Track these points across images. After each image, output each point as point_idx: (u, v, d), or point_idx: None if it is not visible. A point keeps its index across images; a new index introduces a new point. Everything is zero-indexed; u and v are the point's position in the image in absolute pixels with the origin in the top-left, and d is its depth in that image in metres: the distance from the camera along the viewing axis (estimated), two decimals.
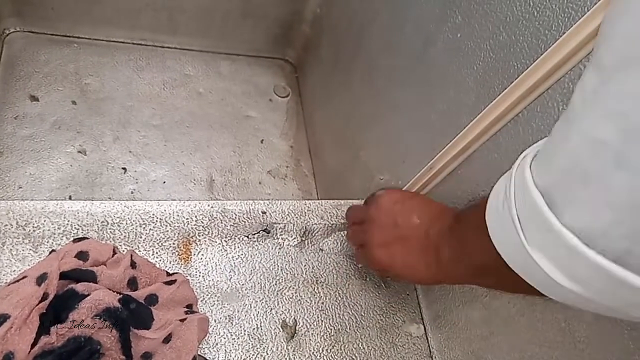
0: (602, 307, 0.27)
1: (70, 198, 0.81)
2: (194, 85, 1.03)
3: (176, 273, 0.49)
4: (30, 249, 0.47)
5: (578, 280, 0.26)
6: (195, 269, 0.52)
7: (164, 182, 0.88)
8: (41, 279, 0.39)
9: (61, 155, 0.84)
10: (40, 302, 0.38)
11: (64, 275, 0.41)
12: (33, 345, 0.36)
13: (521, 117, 0.46)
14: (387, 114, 0.73)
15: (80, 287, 0.40)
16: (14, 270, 0.45)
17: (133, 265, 0.46)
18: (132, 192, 0.85)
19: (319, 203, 0.62)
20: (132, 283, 0.45)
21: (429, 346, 0.58)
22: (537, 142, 0.34)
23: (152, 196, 0.86)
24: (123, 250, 0.49)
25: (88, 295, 0.39)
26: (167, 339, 0.42)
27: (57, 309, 0.38)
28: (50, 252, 0.45)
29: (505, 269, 0.32)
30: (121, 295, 0.41)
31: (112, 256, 0.46)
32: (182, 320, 0.43)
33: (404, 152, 0.67)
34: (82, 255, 0.43)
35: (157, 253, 0.52)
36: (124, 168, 0.87)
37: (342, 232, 0.61)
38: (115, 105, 0.93)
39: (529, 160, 0.30)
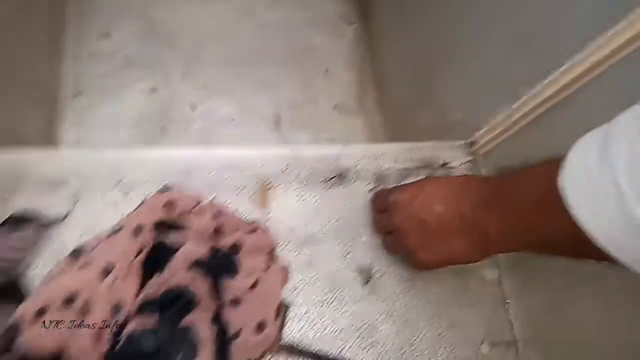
0: None
1: (146, 136, 0.83)
2: (260, 16, 1.00)
3: (256, 221, 0.50)
4: (121, 196, 0.50)
5: None
6: (274, 214, 0.54)
7: (232, 120, 0.89)
8: (137, 231, 0.41)
9: (135, 92, 0.86)
10: (137, 253, 0.40)
11: (155, 226, 0.43)
12: (136, 295, 0.39)
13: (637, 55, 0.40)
14: (467, 47, 0.67)
15: (171, 238, 0.42)
16: (108, 217, 0.48)
17: (217, 214, 0.47)
18: (201, 130, 0.86)
19: (392, 146, 0.61)
20: (218, 232, 0.46)
21: (503, 291, 0.58)
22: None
23: (221, 133, 0.87)
24: (205, 198, 0.51)
25: (180, 247, 0.41)
26: (253, 286, 0.44)
27: (153, 261, 0.41)
28: (140, 203, 0.47)
29: (578, 240, 0.30)
30: (209, 246, 0.43)
31: (197, 205, 0.47)
32: (266, 269, 0.45)
33: (486, 90, 0.63)
34: (169, 206, 0.45)
35: (236, 199, 0.53)
36: (193, 105, 0.88)
37: (416, 177, 0.59)
38: (183, 40, 0.92)
39: None
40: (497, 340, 0.55)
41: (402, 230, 0.49)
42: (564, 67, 0.47)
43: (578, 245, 0.31)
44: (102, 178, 0.51)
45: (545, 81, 0.50)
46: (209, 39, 0.94)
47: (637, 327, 0.43)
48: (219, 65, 0.92)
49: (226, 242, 0.45)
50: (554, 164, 0.34)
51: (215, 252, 0.43)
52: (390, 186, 0.57)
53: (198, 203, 0.48)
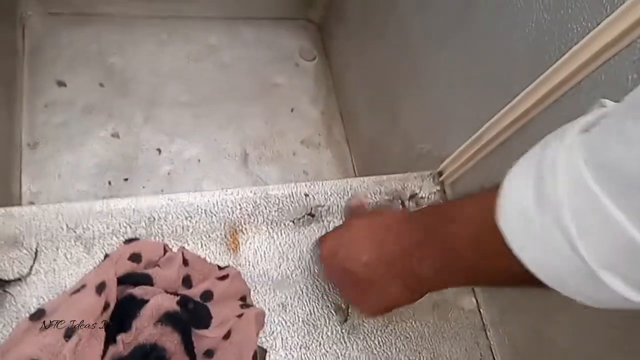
0: None
1: (109, 184, 0.81)
2: (219, 55, 1.00)
3: (227, 267, 0.49)
4: (83, 251, 0.48)
5: None
6: (245, 258, 0.52)
7: (199, 160, 0.87)
8: (100, 287, 0.39)
9: (95, 140, 0.84)
10: (103, 311, 0.38)
11: (120, 280, 0.41)
12: (102, 355, 0.37)
13: (583, 86, 0.43)
14: (427, 77, 0.69)
15: (138, 291, 0.40)
16: (71, 274, 0.46)
17: (185, 262, 0.45)
18: (168, 174, 0.84)
19: (360, 180, 0.61)
20: (186, 281, 0.45)
21: (482, 320, 0.58)
22: (562, 127, 0.29)
23: (189, 176, 0.85)
24: (173, 246, 0.49)
25: (147, 301, 0.39)
26: (227, 336, 0.42)
27: (119, 317, 0.39)
28: (104, 257, 0.45)
29: (521, 274, 0.28)
30: (178, 297, 0.41)
31: (164, 254, 0.46)
32: (239, 316, 0.44)
33: (449, 119, 0.64)
34: (135, 257, 0.43)
35: (205, 245, 0.51)
36: (158, 149, 0.86)
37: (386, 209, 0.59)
38: (142, 84, 0.91)
39: (579, 157, 0.25)
40: None
41: (334, 283, 0.48)
42: (522, 94, 0.49)
43: (521, 279, 0.29)
44: (63, 233, 0.48)
45: (505, 109, 0.51)
46: (170, 80, 0.93)
47: (617, 348, 0.43)
48: (181, 106, 0.91)
49: (196, 291, 0.44)
50: (488, 198, 0.31)
51: (185, 302, 0.41)
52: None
53: (165, 252, 0.46)
